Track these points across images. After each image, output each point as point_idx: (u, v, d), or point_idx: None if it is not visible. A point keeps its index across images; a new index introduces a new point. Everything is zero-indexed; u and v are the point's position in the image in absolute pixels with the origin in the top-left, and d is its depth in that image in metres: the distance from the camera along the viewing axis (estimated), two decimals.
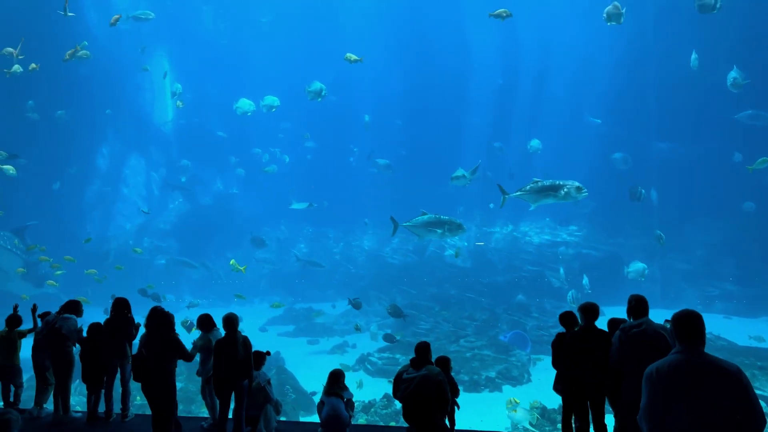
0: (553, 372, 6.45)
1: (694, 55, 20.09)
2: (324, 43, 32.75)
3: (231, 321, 6.55)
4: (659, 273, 25.54)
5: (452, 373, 6.59)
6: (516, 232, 29.28)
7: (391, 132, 33.85)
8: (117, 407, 7.68)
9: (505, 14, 15.88)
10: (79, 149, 29.71)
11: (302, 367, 17.33)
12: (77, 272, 21.32)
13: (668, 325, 4.96)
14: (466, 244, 28.21)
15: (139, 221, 32.38)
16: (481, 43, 33.81)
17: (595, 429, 6.09)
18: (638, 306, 5.67)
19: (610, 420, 6.06)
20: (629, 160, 26.53)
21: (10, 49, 17.54)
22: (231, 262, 20.59)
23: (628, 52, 29.54)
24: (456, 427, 6.52)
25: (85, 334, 7.55)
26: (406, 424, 6.06)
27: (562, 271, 24.90)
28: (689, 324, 4.03)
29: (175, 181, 33.85)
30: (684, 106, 26.81)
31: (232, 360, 6.43)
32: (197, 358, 7.17)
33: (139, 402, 11.42)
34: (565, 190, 12.32)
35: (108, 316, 7.61)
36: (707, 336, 4.27)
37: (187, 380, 14.37)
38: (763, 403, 4.10)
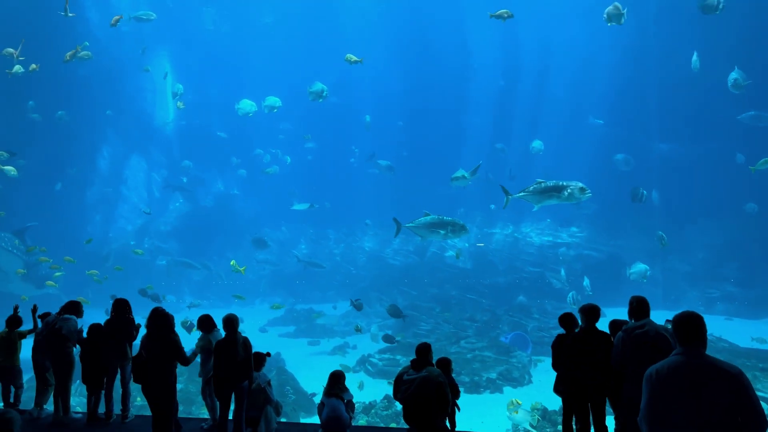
0: (554, 373, 6.45)
1: (695, 56, 20.06)
2: (325, 44, 32.76)
3: (231, 322, 6.54)
4: (661, 274, 25.48)
5: (453, 375, 6.59)
6: (517, 233, 29.24)
7: (392, 133, 33.83)
8: (117, 408, 7.68)
9: (506, 15, 15.78)
10: (79, 150, 29.68)
11: (303, 368, 17.30)
12: (78, 273, 21.34)
13: (669, 326, 4.95)
14: (467, 245, 28.16)
15: (139, 222, 32.39)
16: (481, 44, 33.76)
17: (595, 430, 6.08)
18: (639, 307, 5.67)
19: (611, 421, 6.04)
20: (631, 162, 26.48)
21: (11, 50, 17.52)
22: (231, 263, 20.58)
23: (629, 52, 29.47)
24: (456, 429, 6.50)
25: (85, 335, 7.54)
26: (406, 426, 6.04)
27: (563, 272, 24.90)
28: (690, 325, 4.02)
29: (176, 182, 33.83)
30: (685, 106, 26.79)
31: (232, 361, 6.42)
32: (197, 359, 7.17)
33: (139, 403, 11.40)
34: (569, 190, 12.29)
35: (108, 317, 7.61)
36: (709, 337, 4.26)
37: (187, 381, 14.35)
38: (764, 405, 4.07)
